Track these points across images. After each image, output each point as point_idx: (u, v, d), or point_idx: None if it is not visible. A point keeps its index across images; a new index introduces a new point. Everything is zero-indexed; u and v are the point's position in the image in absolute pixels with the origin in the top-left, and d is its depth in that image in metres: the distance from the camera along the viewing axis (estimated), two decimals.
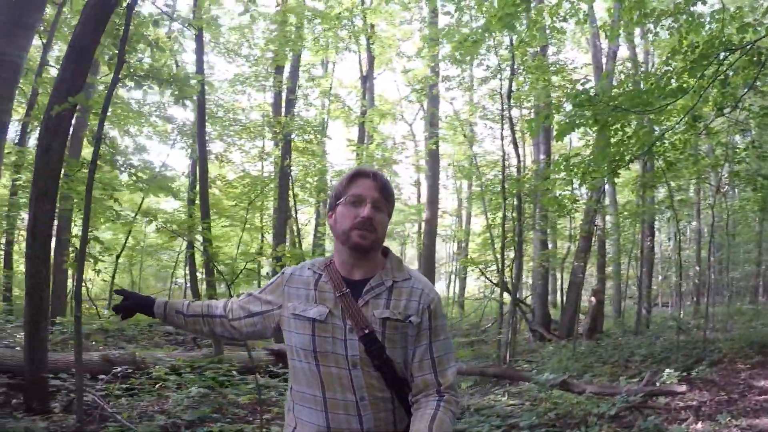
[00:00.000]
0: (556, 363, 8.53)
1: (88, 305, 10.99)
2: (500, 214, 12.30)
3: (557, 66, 10.69)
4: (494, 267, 12.00)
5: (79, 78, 4.51)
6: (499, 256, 11.43)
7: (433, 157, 15.93)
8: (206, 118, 13.89)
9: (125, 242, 14.67)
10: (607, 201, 14.64)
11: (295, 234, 21.07)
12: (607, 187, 13.25)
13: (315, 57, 17.99)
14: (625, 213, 12.14)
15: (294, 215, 20.31)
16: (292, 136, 14.99)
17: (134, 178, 6.31)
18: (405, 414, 1.66)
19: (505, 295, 10.69)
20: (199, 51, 7.79)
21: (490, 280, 11.02)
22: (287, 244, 16.82)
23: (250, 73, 16.52)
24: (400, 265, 1.73)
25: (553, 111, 7.54)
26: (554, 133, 7.52)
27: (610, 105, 6.37)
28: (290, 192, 14.30)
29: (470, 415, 5.72)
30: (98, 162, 5.39)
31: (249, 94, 16.55)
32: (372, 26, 16.83)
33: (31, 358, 4.81)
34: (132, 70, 4.60)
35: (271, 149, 16.50)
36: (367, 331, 1.58)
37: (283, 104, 14.35)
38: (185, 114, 15.82)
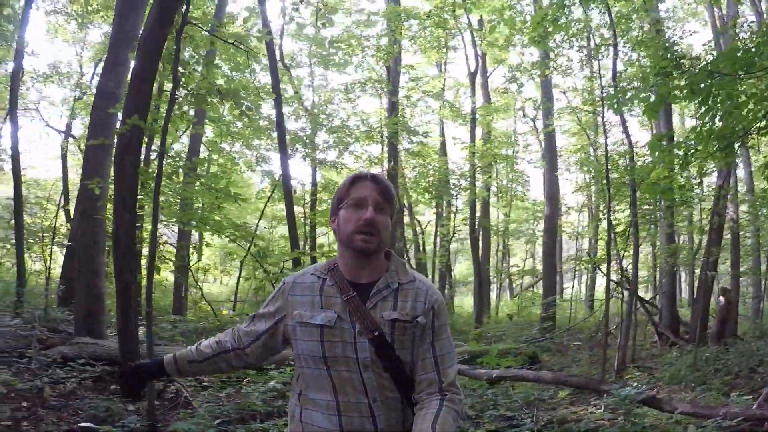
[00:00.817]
0: (673, 371, 7.71)
1: (204, 304, 12.11)
2: (620, 206, 11.39)
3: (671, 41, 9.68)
4: (615, 264, 11.18)
5: (142, 101, 5.10)
6: (621, 251, 10.59)
7: (550, 150, 15.22)
8: (311, 129, 14.73)
9: (248, 249, 15.91)
10: (743, 187, 12.85)
11: (415, 236, 21.48)
12: (741, 171, 11.63)
13: (424, 57, 18.18)
14: (762, 200, 10.57)
15: (410, 217, 20.70)
16: (401, 138, 15.31)
17: (205, 187, 6.93)
18: (411, 413, 1.69)
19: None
20: (272, 62, 8.30)
21: (610, 278, 10.25)
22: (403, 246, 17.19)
23: (361, 81, 17.12)
24: (403, 268, 1.76)
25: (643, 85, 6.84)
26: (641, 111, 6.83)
27: (707, 70, 5.60)
28: (398, 195, 14.61)
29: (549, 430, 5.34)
30: (174, 173, 6.05)
31: (357, 100, 17.06)
32: (480, 20, 16.58)
33: (123, 349, 5.51)
34: (190, 89, 5.08)
35: (380, 153, 16.93)
36: (377, 333, 1.61)
37: (385, 107, 14.66)
38: (297, 124, 16.58)
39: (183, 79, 4.92)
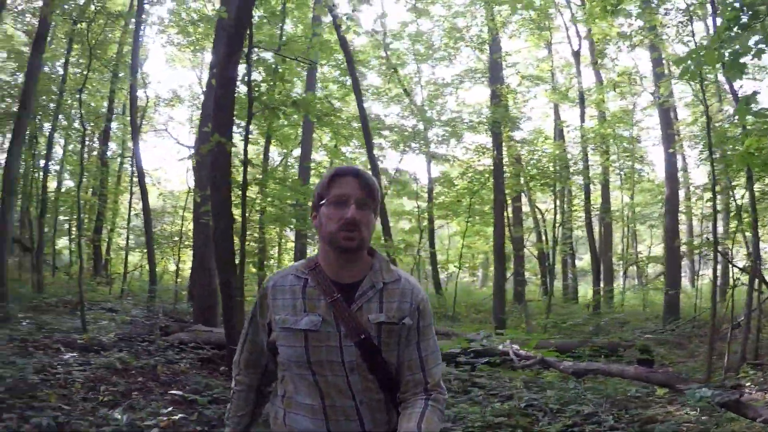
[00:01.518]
0: None
1: None
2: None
3: None
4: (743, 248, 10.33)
5: (225, 120, 5.89)
6: (744, 231, 9.77)
7: (666, 124, 14.25)
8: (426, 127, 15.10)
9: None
10: None
11: (535, 224, 21.03)
12: None
13: (528, 41, 17.81)
14: None
15: (529, 205, 20.32)
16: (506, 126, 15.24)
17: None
18: (396, 413, 1.69)
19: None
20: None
21: (732, 263, 9.58)
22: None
23: (465, 70, 17.26)
24: (388, 266, 1.73)
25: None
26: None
27: None
28: (506, 182, 14.57)
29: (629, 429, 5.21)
30: (262, 181, 6.85)
31: (458, 91, 17.23)
32: None
33: (228, 335, 6.42)
34: (263, 105, 5.79)
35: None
36: (363, 337, 1.59)
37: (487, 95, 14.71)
38: (411, 121, 17.15)
39: (256, 96, 5.61)
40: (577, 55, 15.29)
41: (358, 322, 1.60)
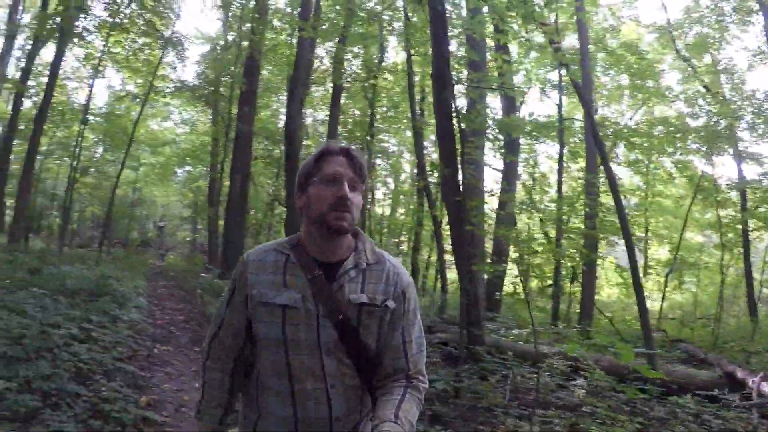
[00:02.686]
0: None
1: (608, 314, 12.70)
2: None
3: None
4: None
5: (447, 151, 6.92)
6: None
7: None
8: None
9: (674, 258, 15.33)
10: None
11: None
12: None
13: None
14: None
15: None
16: None
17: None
18: (370, 399, 1.69)
19: None
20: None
21: None
22: None
23: None
24: (372, 247, 1.72)
25: None
26: None
27: None
28: None
29: None
30: None
31: None
32: None
33: (469, 338, 7.32)
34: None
35: None
36: (341, 317, 1.58)
37: None
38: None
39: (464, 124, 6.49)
40: None
41: (338, 301, 1.59)
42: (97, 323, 6.39)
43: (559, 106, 13.57)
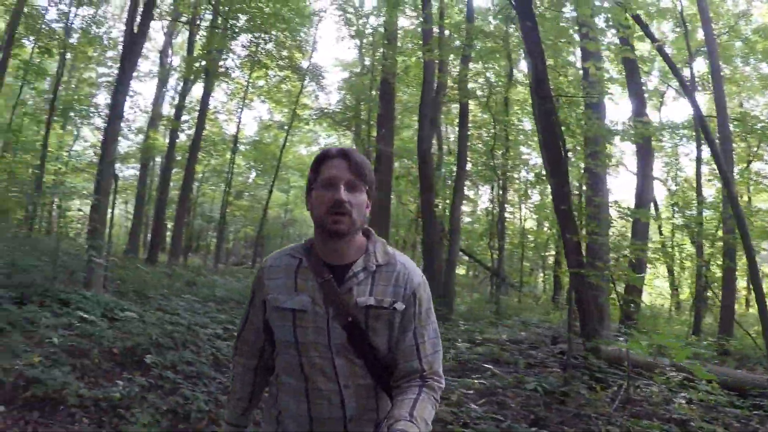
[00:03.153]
0: None
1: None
2: None
3: None
4: None
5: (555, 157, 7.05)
6: None
7: None
8: None
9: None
10: None
11: None
12: None
13: None
14: None
15: None
16: None
17: None
18: (388, 400, 1.69)
19: None
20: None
21: None
22: None
23: None
24: (384, 248, 1.73)
25: None
26: None
27: None
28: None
29: None
30: None
31: None
32: None
33: (584, 348, 7.32)
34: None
35: None
36: (350, 319, 1.60)
37: None
38: None
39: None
40: None
41: (346, 304, 1.61)
42: None
43: (693, 103, 12.72)
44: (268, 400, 1.83)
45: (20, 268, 7.08)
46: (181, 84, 20.20)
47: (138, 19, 9.68)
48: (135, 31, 9.19)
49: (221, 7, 15.33)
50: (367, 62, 22.16)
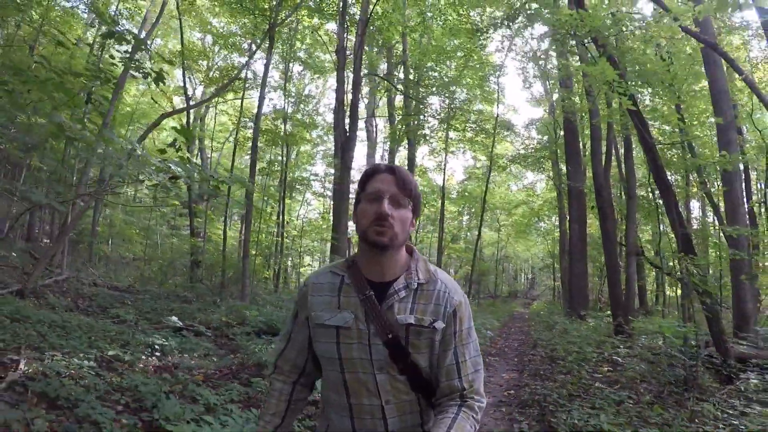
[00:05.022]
0: None
1: None
2: None
3: None
4: None
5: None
6: None
7: None
8: None
9: None
10: None
11: None
12: None
13: None
14: None
15: None
16: None
17: None
18: (431, 415, 1.78)
19: None
20: None
21: None
22: None
23: None
24: (426, 266, 1.79)
25: None
26: None
27: None
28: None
29: None
30: None
31: None
32: None
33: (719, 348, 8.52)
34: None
35: None
36: (390, 336, 1.65)
37: None
38: None
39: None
40: None
41: (387, 321, 1.67)
42: None
43: None
44: (320, 416, 1.88)
45: (275, 323, 9.52)
46: (388, 143, 24.37)
47: (347, 121, 13.56)
48: (347, 133, 13.02)
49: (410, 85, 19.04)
50: (556, 95, 23.89)
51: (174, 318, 9.13)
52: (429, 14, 18.98)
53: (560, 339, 11.79)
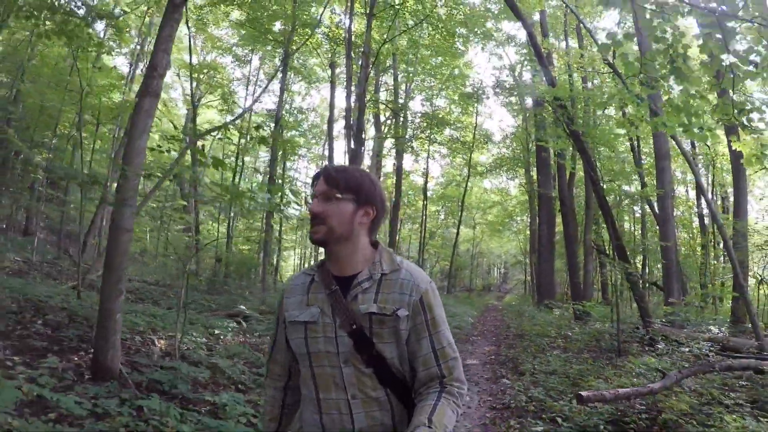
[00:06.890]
0: None
1: None
2: None
3: None
4: None
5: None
6: None
7: None
8: None
9: None
10: None
11: None
12: None
13: None
14: None
15: None
16: None
17: None
18: (405, 413, 1.78)
19: None
20: None
21: None
22: None
23: None
24: (390, 257, 1.85)
25: None
26: None
27: None
28: None
29: None
30: None
31: None
32: None
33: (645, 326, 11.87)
34: None
35: None
36: (354, 327, 1.71)
37: None
38: None
39: None
40: None
41: (351, 312, 1.73)
42: None
43: None
44: (297, 415, 1.94)
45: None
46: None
47: (352, 142, 16.46)
48: (353, 147, 15.90)
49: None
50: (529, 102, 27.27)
51: (242, 306, 11.86)
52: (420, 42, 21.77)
53: (528, 323, 15.09)
